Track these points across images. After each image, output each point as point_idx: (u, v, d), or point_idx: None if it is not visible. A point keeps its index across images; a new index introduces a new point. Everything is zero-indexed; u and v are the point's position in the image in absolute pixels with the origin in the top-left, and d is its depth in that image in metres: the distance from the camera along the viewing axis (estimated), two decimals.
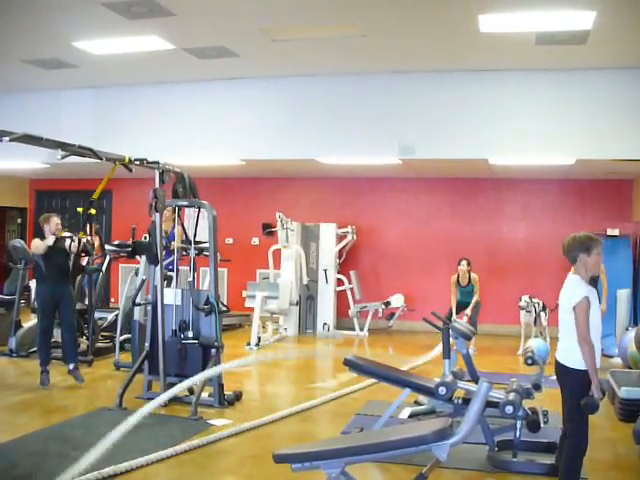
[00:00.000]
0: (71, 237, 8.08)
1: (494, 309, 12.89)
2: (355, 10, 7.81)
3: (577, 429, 4.55)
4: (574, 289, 4.55)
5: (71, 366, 8.07)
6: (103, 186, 6.93)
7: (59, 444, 5.83)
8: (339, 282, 13.53)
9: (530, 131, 9.97)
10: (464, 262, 10.98)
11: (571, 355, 4.51)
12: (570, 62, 9.47)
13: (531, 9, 7.50)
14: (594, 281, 8.17)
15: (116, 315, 9.96)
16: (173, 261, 8.09)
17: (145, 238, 8.81)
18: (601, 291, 8.68)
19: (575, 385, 4.52)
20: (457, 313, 10.92)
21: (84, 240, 8.07)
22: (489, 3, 7.40)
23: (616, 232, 12.17)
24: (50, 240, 7.95)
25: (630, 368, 8.56)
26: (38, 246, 8.01)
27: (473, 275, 10.98)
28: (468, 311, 10.82)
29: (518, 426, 5.46)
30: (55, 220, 8.10)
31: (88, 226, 7.61)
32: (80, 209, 7.19)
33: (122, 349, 9.31)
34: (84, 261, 9.45)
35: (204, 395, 7.23)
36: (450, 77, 10.24)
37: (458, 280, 11.04)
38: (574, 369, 4.50)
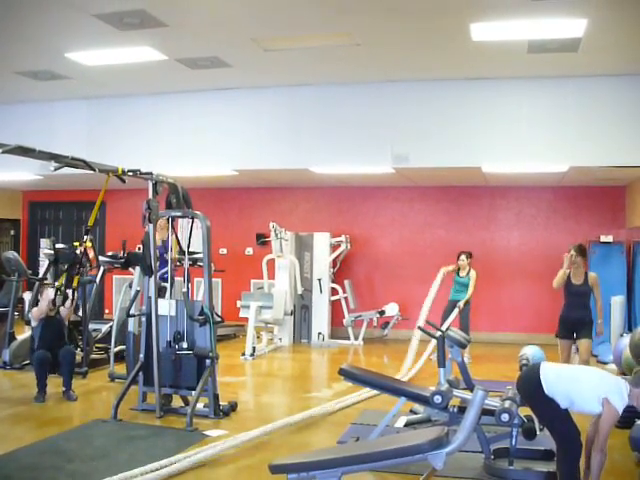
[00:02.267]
0: (60, 290, 8.13)
1: (489, 316, 12.92)
2: (348, 19, 7.82)
3: (564, 438, 4.57)
4: (620, 392, 4.56)
5: (64, 388, 8.06)
6: (97, 211, 6.93)
7: (54, 457, 5.80)
8: (333, 291, 13.52)
9: (523, 139, 10.00)
10: (463, 256, 11.04)
11: (554, 393, 4.59)
12: (562, 70, 9.51)
13: (523, 17, 7.53)
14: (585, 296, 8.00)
15: (110, 326, 9.94)
16: (167, 272, 8.07)
17: (139, 249, 8.80)
18: (594, 308, 8.03)
19: (547, 410, 4.65)
20: (446, 312, 10.93)
21: (68, 292, 8.17)
22: (481, 12, 7.42)
23: (610, 239, 12.22)
24: (50, 293, 8.04)
25: (625, 374, 8.56)
26: (40, 309, 8.16)
27: (472, 271, 11.01)
28: (460, 303, 10.79)
29: (514, 434, 5.45)
30: (47, 294, 8.20)
31: (82, 238, 7.62)
32: (77, 244, 7.20)
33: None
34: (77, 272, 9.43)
35: (199, 406, 7.21)
36: (443, 85, 10.27)
37: (458, 272, 11.04)
38: (550, 398, 4.58)
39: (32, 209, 16.46)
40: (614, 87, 9.69)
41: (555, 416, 4.62)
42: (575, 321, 7.95)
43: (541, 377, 4.63)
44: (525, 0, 6.98)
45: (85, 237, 7.28)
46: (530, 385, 4.71)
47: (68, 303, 8.22)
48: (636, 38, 8.10)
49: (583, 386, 4.61)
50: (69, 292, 8.16)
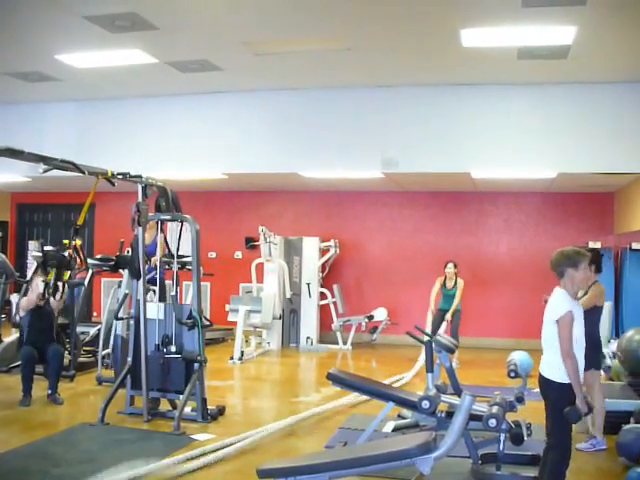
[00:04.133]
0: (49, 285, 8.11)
1: (477, 322, 12.94)
2: (338, 24, 7.83)
3: (561, 442, 4.57)
4: (559, 303, 4.58)
5: (49, 391, 8.03)
6: (86, 210, 6.88)
7: (40, 461, 5.77)
8: (322, 296, 13.52)
9: (512, 145, 10.03)
10: (450, 264, 11.12)
11: (555, 369, 4.53)
12: (551, 76, 9.54)
13: (513, 24, 7.56)
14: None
15: (98, 329, 9.91)
16: (156, 275, 8.05)
17: (128, 252, 8.78)
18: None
19: (559, 399, 4.53)
20: (435, 321, 11.00)
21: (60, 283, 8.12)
22: (471, 18, 7.45)
23: (598, 245, 12.24)
24: (40, 287, 7.98)
25: (612, 380, 8.59)
26: (30, 300, 8.06)
27: (459, 280, 11.07)
28: (448, 315, 10.84)
29: (501, 439, 5.46)
30: (36, 281, 8.22)
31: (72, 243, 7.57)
32: (66, 242, 7.16)
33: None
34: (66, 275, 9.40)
35: (187, 410, 7.19)
36: (433, 91, 10.28)
37: (445, 283, 11.11)
38: (558, 382, 4.52)
39: (20, 211, 16.40)
40: (603, 94, 9.73)
41: (562, 419, 4.57)
42: None
43: (542, 372, 4.65)
44: (515, 7, 7.01)
45: (75, 238, 7.21)
46: (541, 383, 4.72)
47: (58, 295, 8.14)
48: (625, 46, 8.15)
49: (551, 332, 4.61)
50: (59, 285, 8.10)
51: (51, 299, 8.16)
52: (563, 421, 4.51)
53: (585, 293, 6.74)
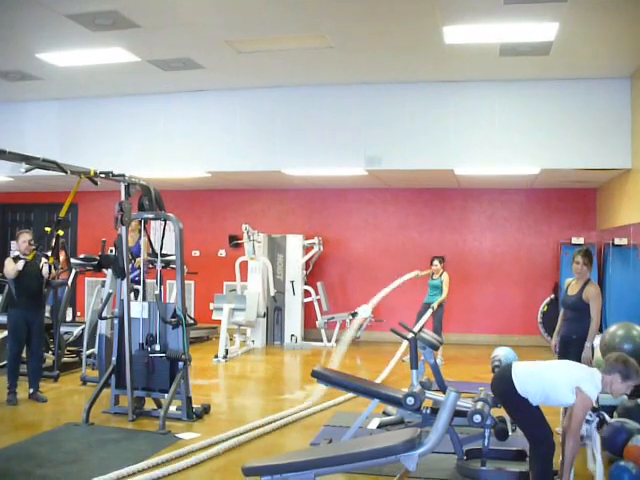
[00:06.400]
0: (46, 258, 7.95)
1: (461, 318, 12.97)
2: (321, 22, 7.83)
3: (536, 438, 4.59)
4: (593, 380, 4.57)
5: (31, 390, 8.00)
6: (69, 203, 6.85)
7: (24, 462, 5.74)
8: (306, 293, 13.51)
9: (495, 141, 10.07)
10: (436, 261, 11.16)
11: (530, 392, 4.60)
12: (534, 73, 9.58)
13: (495, 21, 7.59)
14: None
15: (82, 329, 9.86)
16: (139, 274, 8.02)
17: (111, 251, 8.74)
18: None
19: (521, 412, 4.67)
20: (420, 314, 10.99)
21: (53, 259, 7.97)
22: (454, 15, 7.46)
23: (581, 240, 12.31)
24: (20, 265, 7.85)
25: None
26: (8, 270, 7.90)
27: (445, 274, 11.09)
28: (435, 304, 10.83)
29: (486, 435, 5.48)
30: (24, 237, 7.99)
31: (55, 243, 7.52)
32: (48, 229, 7.09)
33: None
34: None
35: (172, 409, 7.17)
36: (416, 88, 10.31)
37: (432, 276, 11.12)
38: (523, 397, 4.60)
39: (2, 211, 16.28)
40: (585, 90, 9.79)
41: (528, 416, 4.64)
42: (561, 338, 6.96)
43: (513, 377, 4.64)
44: (497, 4, 7.03)
45: (57, 230, 7.15)
46: (503, 385, 4.73)
47: (45, 270, 8.01)
48: (607, 42, 8.20)
49: (556, 378, 4.62)
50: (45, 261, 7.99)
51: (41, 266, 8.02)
52: (532, 423, 4.57)
53: (583, 286, 6.81)
